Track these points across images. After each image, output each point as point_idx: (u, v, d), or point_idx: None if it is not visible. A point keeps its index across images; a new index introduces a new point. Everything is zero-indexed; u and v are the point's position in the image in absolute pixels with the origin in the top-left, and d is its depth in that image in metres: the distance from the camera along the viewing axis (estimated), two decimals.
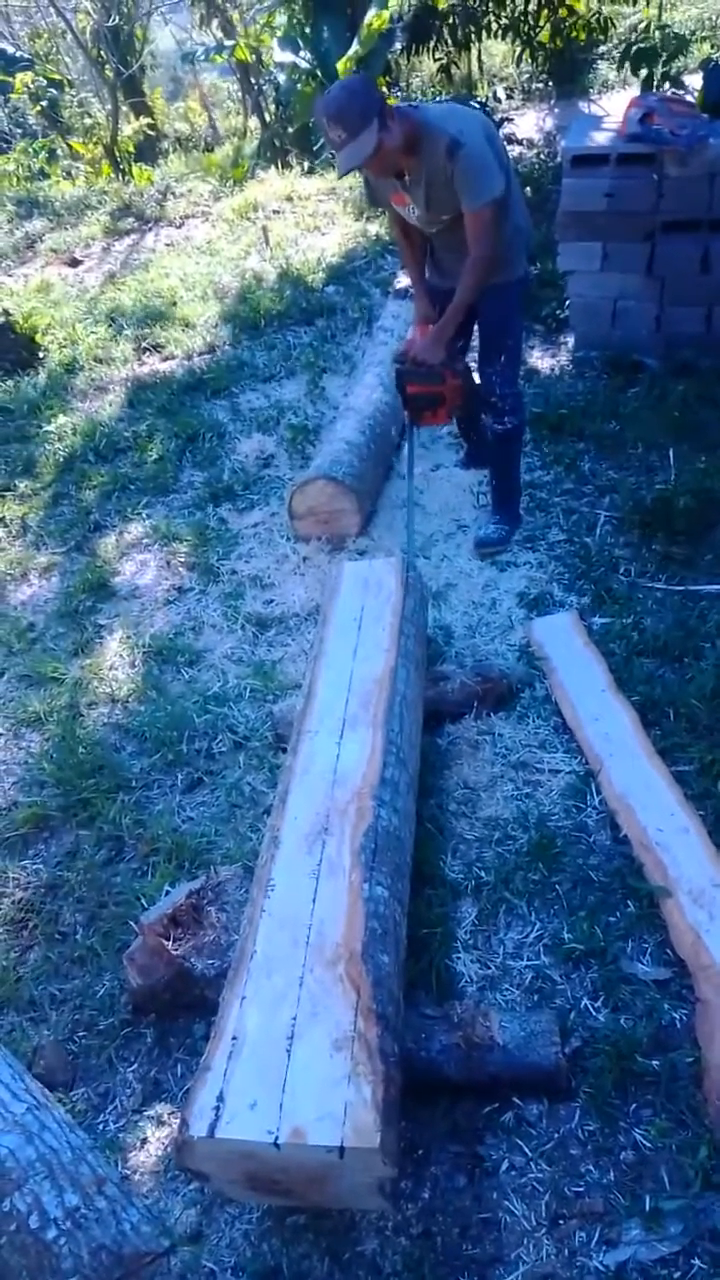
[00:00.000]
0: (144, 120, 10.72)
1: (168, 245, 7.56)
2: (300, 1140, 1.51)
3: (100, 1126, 2.02)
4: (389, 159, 2.70)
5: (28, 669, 3.36)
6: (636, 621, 3.04)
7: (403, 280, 5.19)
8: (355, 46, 6.90)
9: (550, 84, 9.60)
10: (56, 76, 10.97)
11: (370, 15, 6.66)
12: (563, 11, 8.35)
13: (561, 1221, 1.75)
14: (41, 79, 10.51)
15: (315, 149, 8.54)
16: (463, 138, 2.65)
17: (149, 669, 3.26)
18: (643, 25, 7.20)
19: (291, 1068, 1.60)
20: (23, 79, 10.17)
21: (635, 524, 3.47)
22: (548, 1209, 1.76)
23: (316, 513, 3.70)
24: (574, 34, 8.60)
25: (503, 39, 8.93)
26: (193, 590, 3.65)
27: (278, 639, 3.31)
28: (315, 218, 7.45)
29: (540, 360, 4.77)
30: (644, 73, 5.37)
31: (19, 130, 11.03)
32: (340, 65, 7.69)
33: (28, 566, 3.98)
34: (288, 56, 8.71)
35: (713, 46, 8.75)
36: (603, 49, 9.37)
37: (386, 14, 6.62)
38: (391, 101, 2.75)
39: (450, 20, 8.04)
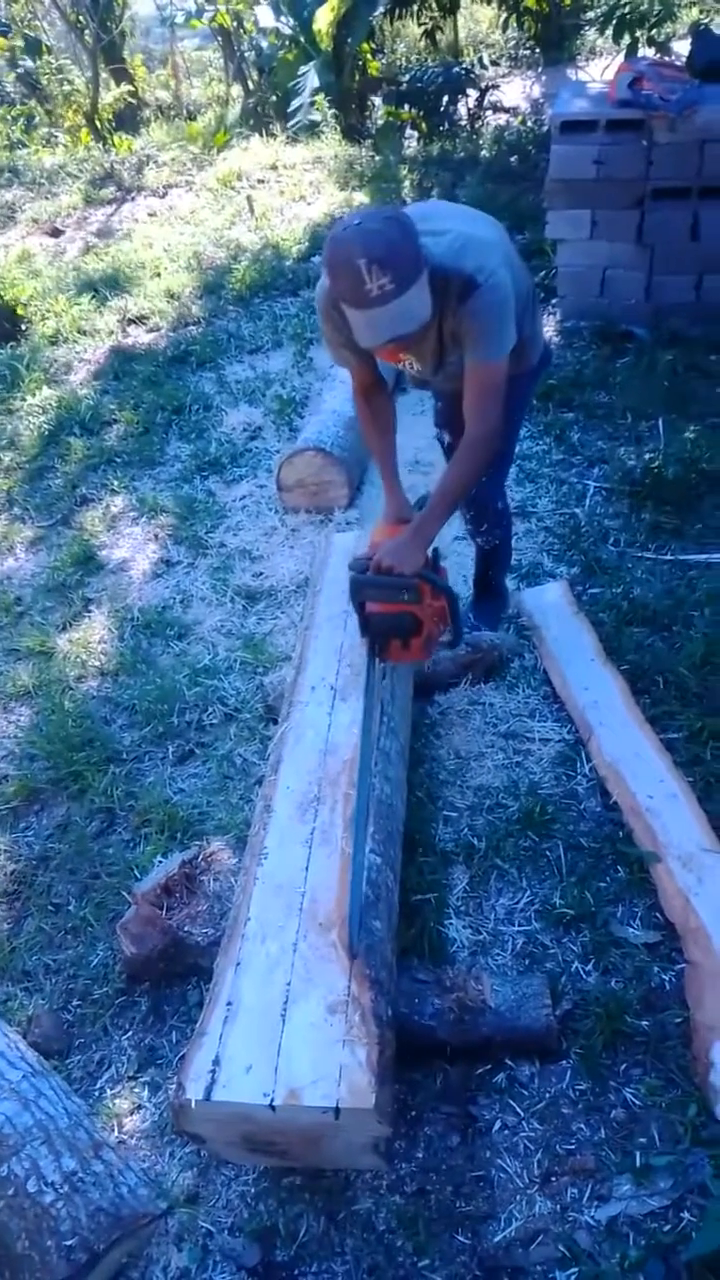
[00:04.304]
0: (125, 87, 10.50)
1: (150, 215, 7.46)
2: (296, 1102, 1.52)
3: (96, 1093, 2.04)
4: None
5: (15, 643, 3.35)
6: (626, 591, 3.05)
7: None
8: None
9: (537, 50, 9.50)
10: (33, 36, 10.71)
11: None
12: None
13: (553, 1178, 1.77)
14: (19, 44, 10.28)
15: (290, 112, 8.39)
16: (480, 275, 1.97)
17: (138, 642, 3.25)
18: None
19: (286, 1032, 1.62)
20: None
21: (624, 494, 3.48)
22: (540, 1166, 1.79)
23: (305, 484, 3.68)
24: None
25: (488, 3, 8.80)
26: (181, 563, 3.63)
27: (267, 611, 3.30)
28: (300, 187, 7.36)
29: None
30: (626, 40, 5.27)
31: None
32: (322, 25, 7.57)
33: (13, 540, 3.95)
34: (270, 21, 8.57)
35: (701, 11, 8.64)
36: (590, 14, 9.25)
37: None
38: None
39: None
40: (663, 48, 5.48)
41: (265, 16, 9.21)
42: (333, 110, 7.94)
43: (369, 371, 2.33)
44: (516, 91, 8.72)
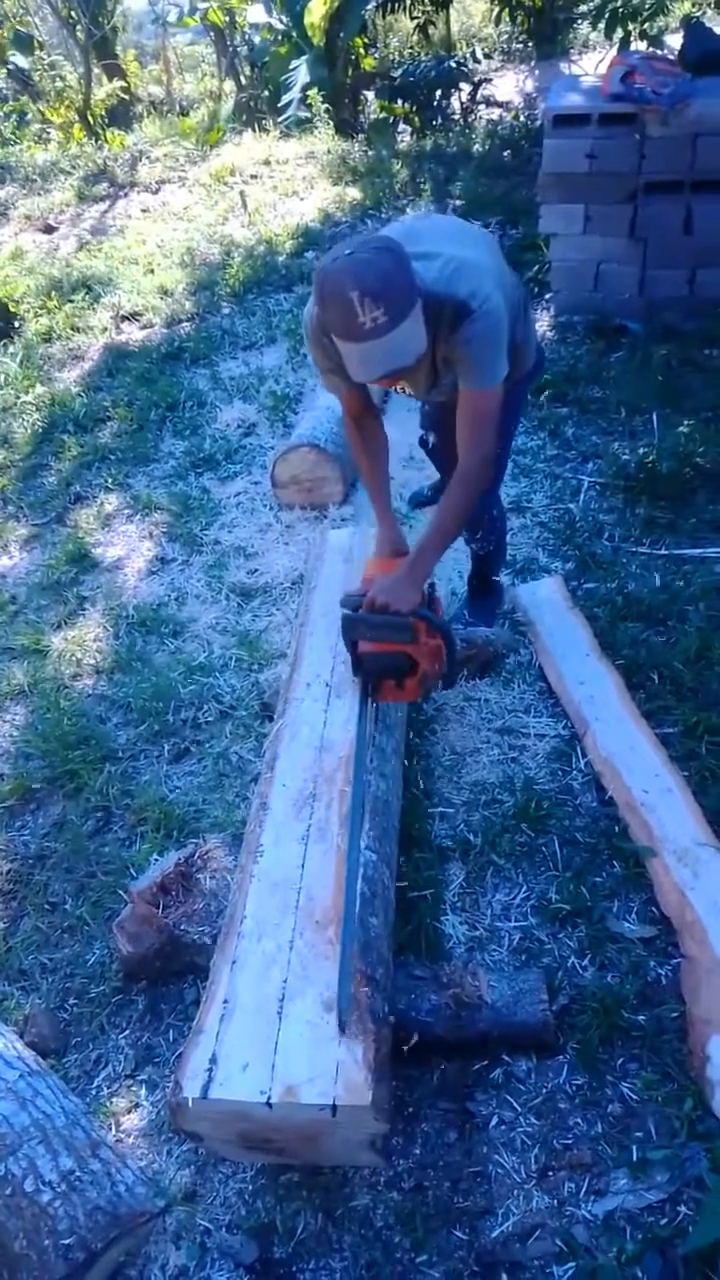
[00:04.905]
0: (117, 83, 10.46)
1: (144, 211, 7.43)
2: (293, 1099, 1.52)
3: (94, 1091, 2.03)
4: None
5: (10, 642, 3.34)
6: (621, 586, 3.05)
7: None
8: None
9: (529, 44, 9.47)
10: (25, 31, 10.65)
11: None
12: None
13: (550, 1173, 1.78)
14: (9, 39, 10.23)
15: (282, 108, 8.37)
16: (474, 301, 1.91)
17: (133, 640, 3.24)
18: None
19: (283, 1029, 1.62)
20: None
21: (619, 489, 3.47)
22: (537, 1161, 1.79)
23: (300, 480, 3.68)
24: None
25: None
26: (175, 561, 3.63)
27: (262, 608, 3.30)
28: (293, 182, 7.34)
29: None
30: (619, 34, 5.26)
31: None
32: (314, 20, 7.54)
33: (8, 538, 3.94)
34: (262, 17, 8.55)
35: (693, 5, 8.63)
36: (583, 8, 9.23)
37: None
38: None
39: None
40: (655, 41, 5.47)
41: (257, 12, 9.17)
42: (325, 105, 7.92)
43: (360, 398, 2.27)
44: (509, 86, 8.70)
